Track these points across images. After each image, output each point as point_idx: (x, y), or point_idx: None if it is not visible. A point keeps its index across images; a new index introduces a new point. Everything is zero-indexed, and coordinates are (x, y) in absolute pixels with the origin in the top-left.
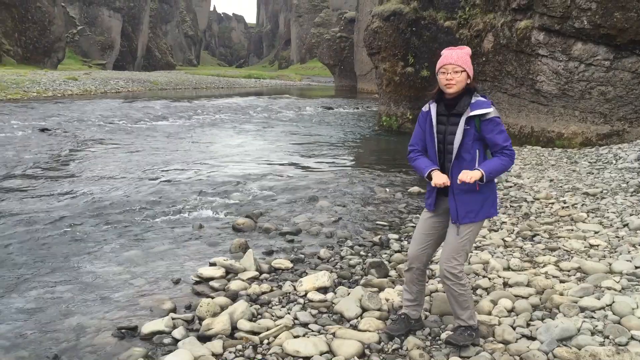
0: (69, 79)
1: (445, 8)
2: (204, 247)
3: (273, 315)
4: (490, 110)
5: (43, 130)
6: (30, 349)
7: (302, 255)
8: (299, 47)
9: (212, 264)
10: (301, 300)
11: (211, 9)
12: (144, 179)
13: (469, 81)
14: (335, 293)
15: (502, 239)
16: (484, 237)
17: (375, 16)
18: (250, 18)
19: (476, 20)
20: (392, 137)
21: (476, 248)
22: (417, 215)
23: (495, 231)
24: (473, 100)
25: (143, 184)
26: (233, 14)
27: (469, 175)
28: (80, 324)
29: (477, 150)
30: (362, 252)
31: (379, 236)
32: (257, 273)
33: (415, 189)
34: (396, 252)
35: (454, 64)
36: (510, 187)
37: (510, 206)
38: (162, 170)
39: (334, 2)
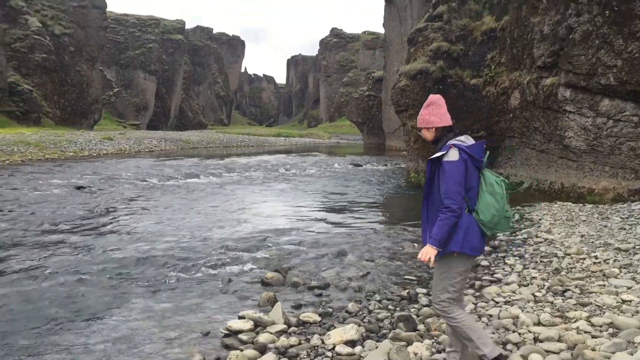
0: (104, 138)
1: (471, 67)
2: (233, 300)
3: None
4: (442, 154)
5: (79, 188)
6: None
7: (331, 309)
8: (328, 106)
9: (241, 317)
10: (329, 354)
11: (242, 70)
12: (175, 234)
13: (434, 131)
14: (363, 346)
15: (532, 294)
16: (513, 292)
17: (403, 75)
18: (280, 79)
19: (502, 78)
20: (420, 194)
21: (505, 303)
22: None
23: (525, 286)
24: (445, 143)
25: (174, 239)
26: (263, 74)
27: (424, 255)
28: None
29: None
30: (390, 306)
31: (407, 290)
32: (285, 326)
33: None
34: (424, 306)
35: (417, 127)
36: (541, 242)
37: (541, 261)
38: (193, 226)
39: (362, 62)
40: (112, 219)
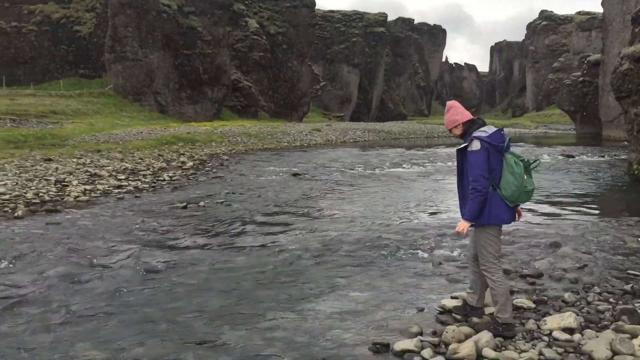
0: (313, 130)
1: None
2: (444, 282)
3: (517, 349)
4: (466, 145)
5: (295, 175)
6: (301, 352)
7: (545, 297)
8: (535, 94)
9: (454, 297)
10: (546, 338)
11: (443, 60)
12: (385, 218)
13: (461, 126)
14: (582, 334)
15: None
16: None
17: (625, 58)
18: (483, 67)
19: None
20: None
21: None
22: None
23: None
24: (470, 135)
25: (384, 223)
26: (465, 63)
27: (459, 228)
28: (339, 337)
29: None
30: (611, 299)
31: (630, 285)
32: None
33: None
34: None
35: (446, 129)
36: None
37: None
38: (402, 212)
39: (575, 46)
40: (326, 203)
